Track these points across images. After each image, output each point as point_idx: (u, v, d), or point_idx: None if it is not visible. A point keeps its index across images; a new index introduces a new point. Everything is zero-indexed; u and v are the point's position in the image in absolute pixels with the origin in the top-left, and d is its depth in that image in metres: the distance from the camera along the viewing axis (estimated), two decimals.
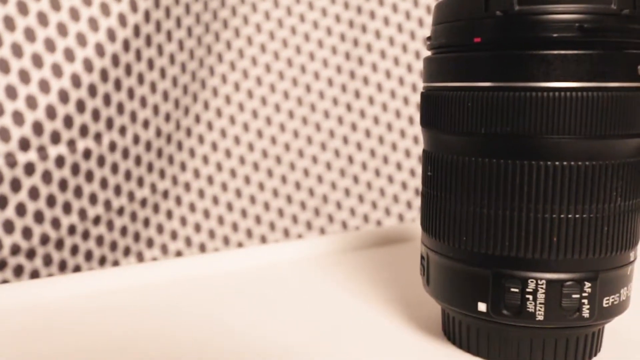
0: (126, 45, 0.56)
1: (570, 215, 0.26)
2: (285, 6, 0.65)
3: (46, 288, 0.40)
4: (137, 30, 0.57)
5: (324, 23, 0.66)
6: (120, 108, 0.58)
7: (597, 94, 0.25)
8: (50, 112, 0.53)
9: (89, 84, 0.54)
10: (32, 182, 0.53)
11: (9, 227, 0.53)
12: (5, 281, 0.53)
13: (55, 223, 0.55)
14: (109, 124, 0.57)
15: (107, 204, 0.59)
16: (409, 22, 0.67)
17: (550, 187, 0.26)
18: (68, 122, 0.54)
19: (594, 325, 0.28)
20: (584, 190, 0.26)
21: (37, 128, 0.52)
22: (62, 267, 0.57)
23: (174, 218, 0.64)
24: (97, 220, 0.58)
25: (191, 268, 0.44)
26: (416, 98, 0.67)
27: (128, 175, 0.60)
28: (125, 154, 0.59)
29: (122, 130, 0.58)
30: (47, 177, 0.54)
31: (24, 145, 0.52)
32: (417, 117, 0.67)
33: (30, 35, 0.52)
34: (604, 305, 0.27)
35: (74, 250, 0.57)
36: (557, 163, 0.25)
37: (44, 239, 0.55)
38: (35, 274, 0.55)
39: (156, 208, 0.63)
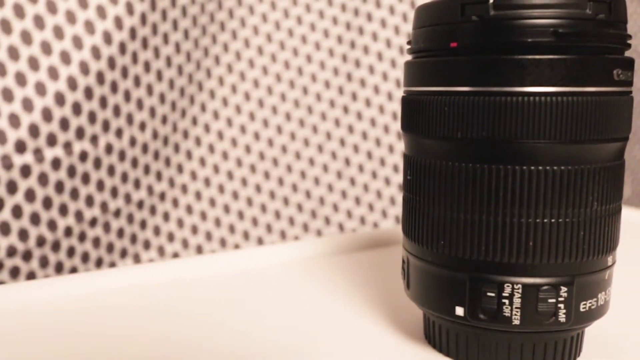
0: (122, 48, 0.57)
1: (546, 220, 0.26)
2: (283, 9, 0.66)
3: (43, 289, 0.40)
4: (133, 33, 0.57)
5: (321, 25, 0.66)
6: (117, 110, 0.58)
7: (572, 98, 0.25)
8: (47, 115, 0.53)
9: (85, 86, 0.55)
10: (29, 184, 0.53)
11: (5, 228, 0.53)
12: (1, 283, 0.53)
13: (52, 225, 0.56)
14: (105, 126, 0.57)
15: (104, 206, 0.59)
16: (405, 25, 0.67)
17: (526, 191, 0.26)
18: (64, 124, 0.54)
19: (572, 329, 0.28)
20: (560, 194, 0.26)
21: (34, 130, 0.53)
22: (59, 268, 0.57)
23: (171, 220, 0.64)
24: (93, 222, 0.59)
25: (187, 269, 0.44)
26: None
27: (125, 177, 0.60)
28: (122, 156, 0.59)
29: (119, 133, 0.59)
30: (43, 179, 0.54)
31: (20, 147, 0.52)
32: None
33: (26, 38, 0.52)
34: (581, 309, 0.27)
35: (71, 252, 0.58)
36: (532, 168, 0.26)
37: (41, 241, 0.55)
38: (31, 276, 0.55)
39: (153, 210, 0.63)
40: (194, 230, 0.65)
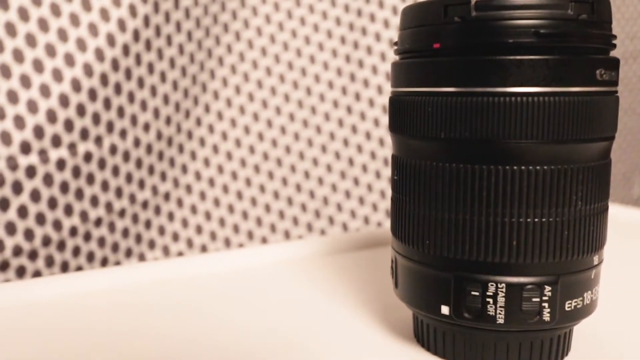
0: (126, 50, 0.57)
1: (529, 219, 0.26)
2: (286, 9, 0.66)
3: (49, 286, 0.41)
4: (136, 35, 0.58)
5: (324, 26, 0.66)
6: (121, 112, 0.59)
7: (555, 98, 0.25)
8: (51, 116, 0.54)
9: (89, 88, 0.56)
10: (34, 185, 0.54)
11: (11, 228, 0.54)
12: (7, 281, 0.54)
13: (57, 225, 0.57)
14: (110, 127, 0.58)
15: (109, 206, 0.60)
16: None
17: (509, 191, 0.26)
18: (69, 125, 0.55)
19: (558, 328, 0.28)
20: (543, 194, 0.26)
21: (38, 132, 0.54)
22: (64, 268, 0.58)
23: (175, 220, 0.65)
24: (98, 222, 0.59)
25: (191, 267, 0.45)
26: None
27: (129, 178, 0.61)
28: (126, 156, 0.60)
29: (123, 134, 0.59)
30: (48, 179, 0.55)
31: (25, 148, 0.53)
32: None
33: (31, 40, 0.53)
34: (566, 309, 0.27)
35: (76, 251, 0.58)
36: (515, 167, 0.26)
37: (46, 241, 0.56)
38: (37, 275, 0.56)
39: (158, 210, 0.64)
40: (199, 230, 0.66)
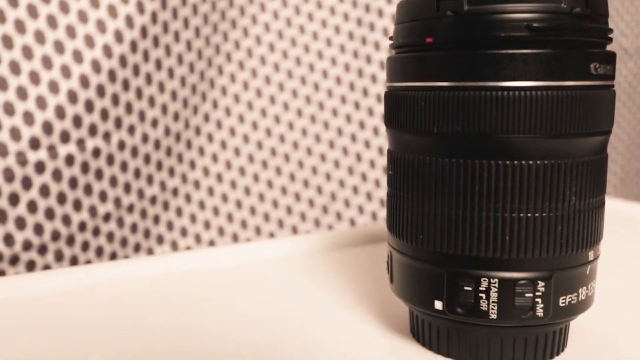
0: (134, 47, 0.58)
1: (522, 215, 0.26)
2: (294, 5, 0.66)
3: (58, 278, 0.42)
4: (144, 32, 0.58)
5: (332, 22, 0.66)
6: (129, 108, 0.59)
7: (547, 92, 0.25)
8: (60, 112, 0.55)
9: (97, 84, 0.56)
10: (43, 180, 0.55)
11: (20, 223, 0.55)
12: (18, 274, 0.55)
13: (66, 220, 0.57)
14: (118, 123, 0.59)
15: (117, 202, 0.60)
16: None
17: (501, 186, 0.26)
18: (77, 121, 0.56)
19: (552, 324, 0.28)
20: (536, 189, 0.26)
21: (47, 128, 0.54)
22: (74, 262, 0.58)
23: (183, 215, 0.66)
24: (107, 217, 0.60)
25: (198, 261, 0.45)
26: None
27: (137, 173, 0.61)
28: (135, 152, 0.60)
29: (131, 129, 0.60)
30: (57, 175, 0.56)
31: (35, 144, 0.54)
32: None
33: (40, 37, 0.54)
34: (561, 304, 0.27)
35: (85, 246, 0.59)
36: (507, 162, 0.26)
37: (55, 235, 0.57)
38: (47, 269, 0.57)
39: (166, 205, 0.64)
40: (207, 225, 0.66)
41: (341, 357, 0.30)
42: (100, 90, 0.57)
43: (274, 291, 0.39)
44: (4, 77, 0.52)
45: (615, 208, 0.57)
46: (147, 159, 0.62)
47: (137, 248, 0.63)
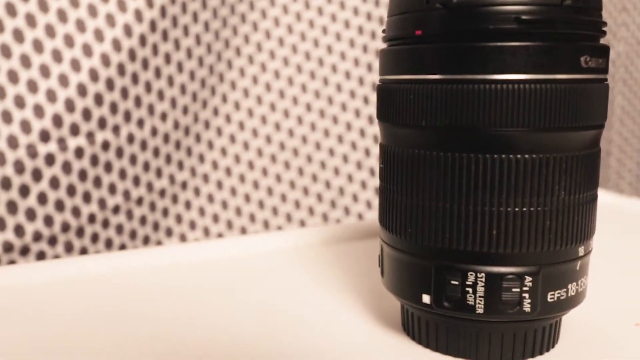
0: (143, 41, 0.58)
1: (509, 209, 0.26)
2: (303, 1, 0.66)
3: (68, 267, 0.42)
4: (153, 26, 0.59)
5: (341, 16, 0.66)
6: (138, 101, 0.60)
7: (536, 86, 0.25)
8: (70, 105, 0.55)
9: (107, 78, 0.57)
10: (53, 172, 0.56)
11: (31, 214, 0.55)
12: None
13: (76, 211, 0.58)
14: (127, 116, 0.59)
15: (126, 194, 0.61)
16: None
17: (489, 179, 0.25)
18: (87, 115, 0.56)
19: (541, 320, 0.27)
20: (524, 183, 0.25)
21: (57, 120, 0.55)
22: (83, 253, 0.59)
23: (192, 208, 0.66)
24: (116, 210, 0.61)
25: (206, 252, 0.45)
26: None
27: (146, 167, 0.62)
28: (144, 145, 0.61)
29: (140, 123, 0.60)
30: (67, 167, 0.56)
31: (45, 137, 0.55)
32: None
33: (50, 31, 0.55)
34: (549, 300, 0.27)
35: (95, 238, 0.60)
36: (495, 156, 0.25)
37: (65, 227, 0.57)
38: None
39: (175, 198, 0.65)
40: (215, 218, 0.67)
41: (333, 351, 0.30)
42: (110, 84, 0.57)
43: (266, 285, 0.39)
44: (15, 71, 0.53)
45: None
46: (156, 152, 0.62)
47: (146, 240, 0.63)
